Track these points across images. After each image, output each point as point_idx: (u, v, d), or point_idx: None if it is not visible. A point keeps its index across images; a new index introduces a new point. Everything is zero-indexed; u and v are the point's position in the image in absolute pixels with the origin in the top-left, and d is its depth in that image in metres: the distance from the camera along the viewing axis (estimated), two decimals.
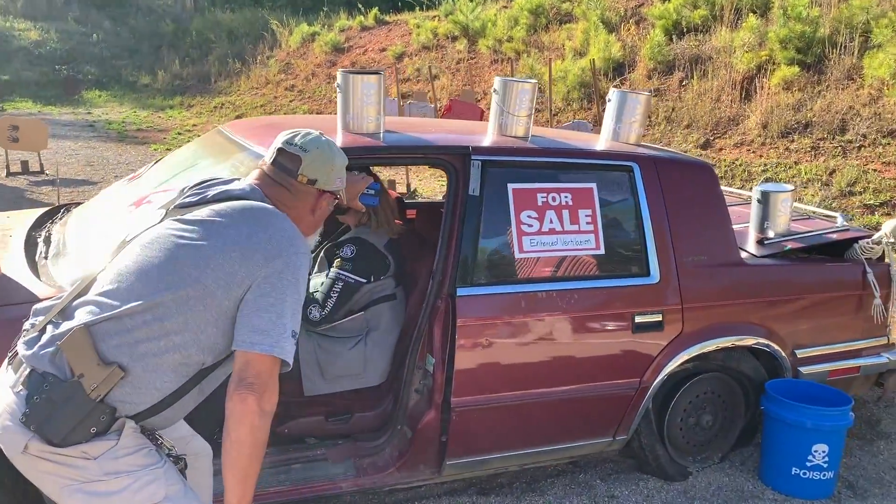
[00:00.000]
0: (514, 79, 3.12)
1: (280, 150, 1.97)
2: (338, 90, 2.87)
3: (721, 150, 9.42)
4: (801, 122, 9.04)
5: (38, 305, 1.85)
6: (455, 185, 2.84)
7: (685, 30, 11.64)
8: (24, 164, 9.95)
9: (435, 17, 16.98)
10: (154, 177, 3.12)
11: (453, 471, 2.92)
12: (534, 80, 3.17)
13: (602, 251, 3.00)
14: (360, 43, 17.51)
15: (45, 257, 2.70)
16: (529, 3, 14.59)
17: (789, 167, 8.58)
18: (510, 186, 2.89)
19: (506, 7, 15.75)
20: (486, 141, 3.04)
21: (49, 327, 1.76)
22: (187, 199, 1.92)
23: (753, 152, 9.10)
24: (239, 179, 1.98)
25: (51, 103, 17.96)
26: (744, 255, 3.38)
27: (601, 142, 3.39)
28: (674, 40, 11.60)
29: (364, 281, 2.95)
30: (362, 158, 2.83)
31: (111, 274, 1.79)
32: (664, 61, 11.21)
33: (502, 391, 2.86)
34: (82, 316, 1.73)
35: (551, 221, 2.93)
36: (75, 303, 1.78)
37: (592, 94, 10.89)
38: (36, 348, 1.73)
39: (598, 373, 3.02)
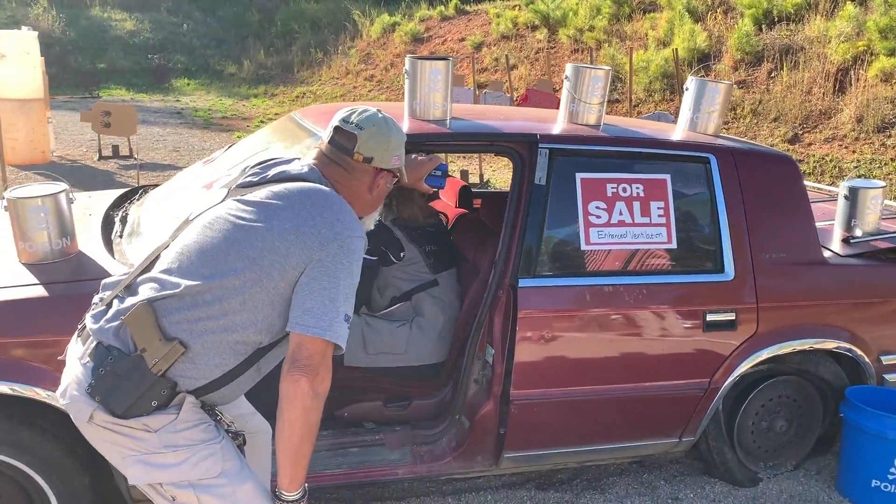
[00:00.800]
0: (586, 65, 3.04)
1: (336, 129, 1.95)
2: (405, 76, 2.85)
3: (810, 144, 9.00)
4: None
5: (106, 280, 1.92)
6: (521, 173, 2.79)
7: (776, 19, 11.16)
8: (115, 148, 10.39)
9: (515, 6, 16.83)
10: (227, 160, 3.18)
11: (511, 464, 2.87)
12: (607, 67, 3.08)
13: (674, 245, 2.89)
14: (439, 33, 17.53)
15: (121, 236, 2.78)
16: None
17: (885, 164, 8.12)
18: (578, 176, 2.82)
19: None
20: (555, 129, 2.97)
21: (115, 302, 1.81)
22: (248, 179, 1.94)
23: (846, 148, 8.65)
24: (299, 159, 1.99)
25: (142, 91, 18.72)
26: (827, 254, 3.20)
27: (677, 132, 3.27)
28: (763, 30, 11.14)
29: (373, 258, 3.04)
30: (428, 145, 2.80)
31: (173, 252, 1.83)
32: (752, 52, 10.77)
33: (563, 386, 2.80)
34: (146, 292, 1.77)
35: (621, 213, 2.84)
36: (139, 279, 1.83)
37: (675, 85, 10.57)
38: (102, 322, 1.78)
39: (665, 371, 2.92)
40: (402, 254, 3.09)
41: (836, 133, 8.92)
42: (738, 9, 11.92)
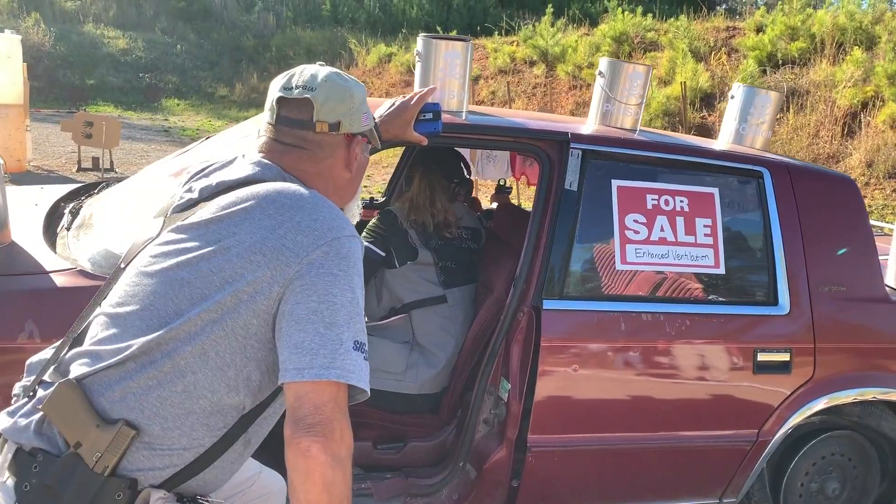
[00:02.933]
0: (624, 60, 2.65)
1: (280, 101, 1.45)
2: (417, 58, 2.44)
3: None
4: None
5: (31, 360, 1.41)
6: (549, 177, 2.37)
7: (780, 62, 10.99)
8: (96, 160, 9.97)
9: (513, 42, 16.69)
10: (204, 149, 2.74)
11: None
12: (648, 65, 2.69)
13: (722, 270, 2.47)
14: None
15: (68, 229, 2.33)
16: (613, 31, 14.16)
17: None
18: (615, 183, 2.40)
19: (587, 34, 15.34)
20: (588, 129, 2.57)
21: (39, 389, 1.33)
22: (185, 199, 1.44)
23: None
24: (242, 156, 1.48)
25: (131, 109, 18.37)
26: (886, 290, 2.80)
27: (720, 144, 2.87)
28: (768, 72, 10.96)
29: (381, 253, 2.61)
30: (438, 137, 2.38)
31: (106, 314, 1.35)
32: (766, 89, 10.54)
33: (591, 432, 2.35)
34: (77, 369, 1.30)
35: (662, 229, 2.42)
36: (68, 355, 1.34)
37: (678, 123, 10.31)
38: (18, 417, 1.30)
39: (708, 419, 2.48)
40: (408, 263, 2.64)
41: None
42: (742, 50, 11.77)
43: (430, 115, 2.08)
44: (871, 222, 4.00)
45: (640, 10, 14.95)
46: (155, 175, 2.68)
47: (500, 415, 2.32)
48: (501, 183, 3.25)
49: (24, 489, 1.22)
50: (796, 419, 2.55)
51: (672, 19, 14.25)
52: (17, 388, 1.36)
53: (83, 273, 1.97)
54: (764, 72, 10.99)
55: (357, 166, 1.52)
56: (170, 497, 1.28)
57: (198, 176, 1.48)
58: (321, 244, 1.29)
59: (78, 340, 1.36)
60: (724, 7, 19.03)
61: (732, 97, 2.92)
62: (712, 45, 12.36)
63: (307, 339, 1.24)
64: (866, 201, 8.10)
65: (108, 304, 1.35)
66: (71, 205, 2.59)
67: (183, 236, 1.33)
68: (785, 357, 2.50)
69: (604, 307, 2.36)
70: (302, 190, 1.38)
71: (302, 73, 1.48)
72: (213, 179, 1.43)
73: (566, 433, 2.32)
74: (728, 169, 2.56)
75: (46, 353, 1.40)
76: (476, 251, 2.78)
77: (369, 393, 1.30)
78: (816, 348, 2.54)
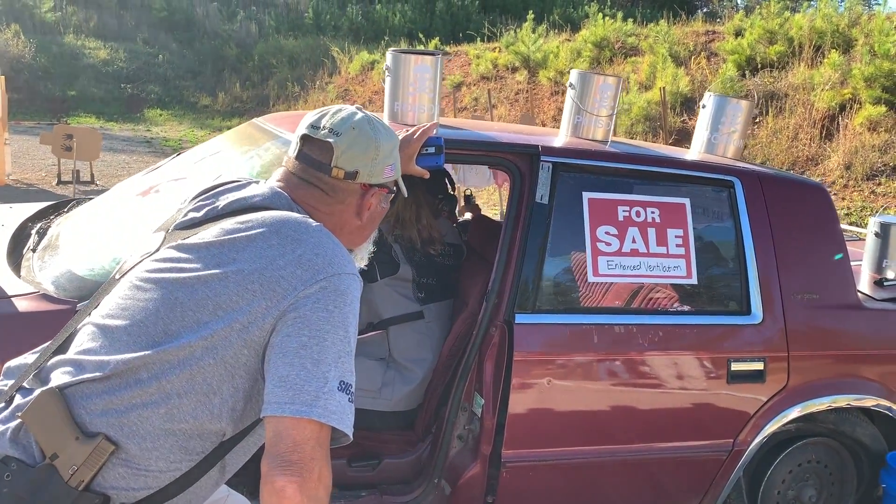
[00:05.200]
0: (594, 72, 2.65)
1: (305, 139, 1.46)
2: (386, 73, 2.44)
3: None
4: (889, 164, 8.35)
5: (10, 363, 1.38)
6: (520, 190, 2.37)
7: (759, 66, 11.07)
8: (76, 173, 9.86)
9: (495, 48, 16.74)
10: (172, 167, 2.72)
11: None
12: (619, 76, 2.70)
13: (694, 281, 2.48)
14: None
15: (33, 250, 2.30)
16: (594, 36, 14.22)
17: (876, 211, 7.88)
18: (586, 196, 2.40)
19: (569, 40, 15.40)
20: (559, 142, 2.56)
21: (18, 396, 1.30)
22: (189, 217, 1.43)
23: (835, 194, 8.41)
24: (257, 182, 1.49)
25: (113, 119, 18.25)
26: (860, 297, 2.81)
27: (692, 154, 2.88)
28: (747, 76, 11.03)
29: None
30: None
31: (95, 324, 1.33)
32: (736, 97, 10.59)
33: (566, 446, 2.34)
34: (59, 378, 1.28)
35: (634, 241, 2.42)
36: (51, 362, 1.32)
37: (659, 127, 10.35)
38: None
39: (683, 430, 2.47)
40: (388, 277, 2.62)
41: (824, 179, 8.70)
42: (721, 55, 11.84)
43: (432, 150, 2.10)
44: (846, 227, 4.04)
45: (620, 15, 15.05)
46: (123, 194, 2.65)
47: (474, 430, 2.31)
48: (467, 193, 3.25)
49: None
50: (772, 427, 2.55)
51: (652, 24, 14.34)
52: None
53: (46, 297, 1.94)
54: (743, 75, 11.06)
55: (370, 215, 1.51)
56: None
57: (205, 195, 1.47)
58: (320, 279, 1.29)
59: (62, 348, 1.34)
60: (703, 11, 19.20)
61: (703, 107, 2.93)
62: (692, 49, 12.43)
63: (293, 374, 1.22)
64: (845, 203, 8.17)
65: (98, 315, 1.33)
66: (38, 224, 2.56)
67: (183, 255, 1.32)
68: (759, 366, 2.51)
69: (576, 320, 2.35)
70: (308, 222, 1.37)
71: (334, 114, 1.48)
72: (221, 201, 1.42)
73: (541, 447, 2.31)
74: (699, 179, 2.57)
75: (27, 357, 1.37)
76: (457, 267, 2.77)
77: (352, 437, 1.28)
78: (790, 356, 2.55)
